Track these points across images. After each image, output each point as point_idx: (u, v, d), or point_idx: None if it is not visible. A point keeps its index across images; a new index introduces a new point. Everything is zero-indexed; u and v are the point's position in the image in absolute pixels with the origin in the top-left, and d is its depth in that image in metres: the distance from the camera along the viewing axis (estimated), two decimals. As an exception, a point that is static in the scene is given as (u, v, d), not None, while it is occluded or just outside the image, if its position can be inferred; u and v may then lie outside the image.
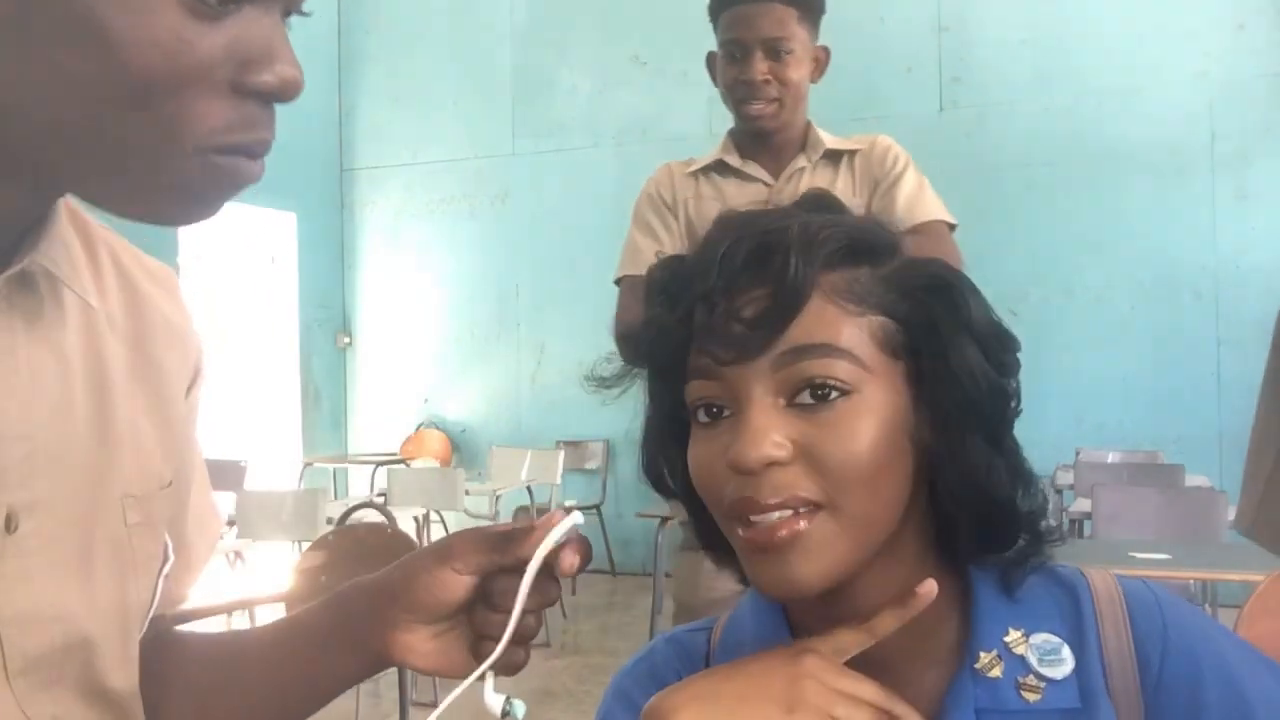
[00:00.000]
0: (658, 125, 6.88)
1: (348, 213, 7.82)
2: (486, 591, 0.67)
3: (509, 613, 0.65)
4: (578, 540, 0.66)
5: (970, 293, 0.66)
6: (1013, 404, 0.67)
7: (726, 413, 0.64)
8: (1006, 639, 0.67)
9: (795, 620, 0.72)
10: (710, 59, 2.08)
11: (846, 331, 0.63)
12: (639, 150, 6.90)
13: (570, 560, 0.65)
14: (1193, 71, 5.77)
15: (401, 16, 7.68)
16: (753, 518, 0.62)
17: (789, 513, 0.61)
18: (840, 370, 0.62)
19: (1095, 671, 0.66)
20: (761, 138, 2.02)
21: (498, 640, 0.65)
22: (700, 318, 0.64)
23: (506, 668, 0.67)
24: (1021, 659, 0.66)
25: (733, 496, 0.63)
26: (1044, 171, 5.99)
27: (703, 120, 6.79)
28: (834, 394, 0.62)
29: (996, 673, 0.66)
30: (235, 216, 6.72)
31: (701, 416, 0.65)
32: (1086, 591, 0.69)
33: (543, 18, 7.25)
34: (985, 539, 0.68)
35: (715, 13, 2.03)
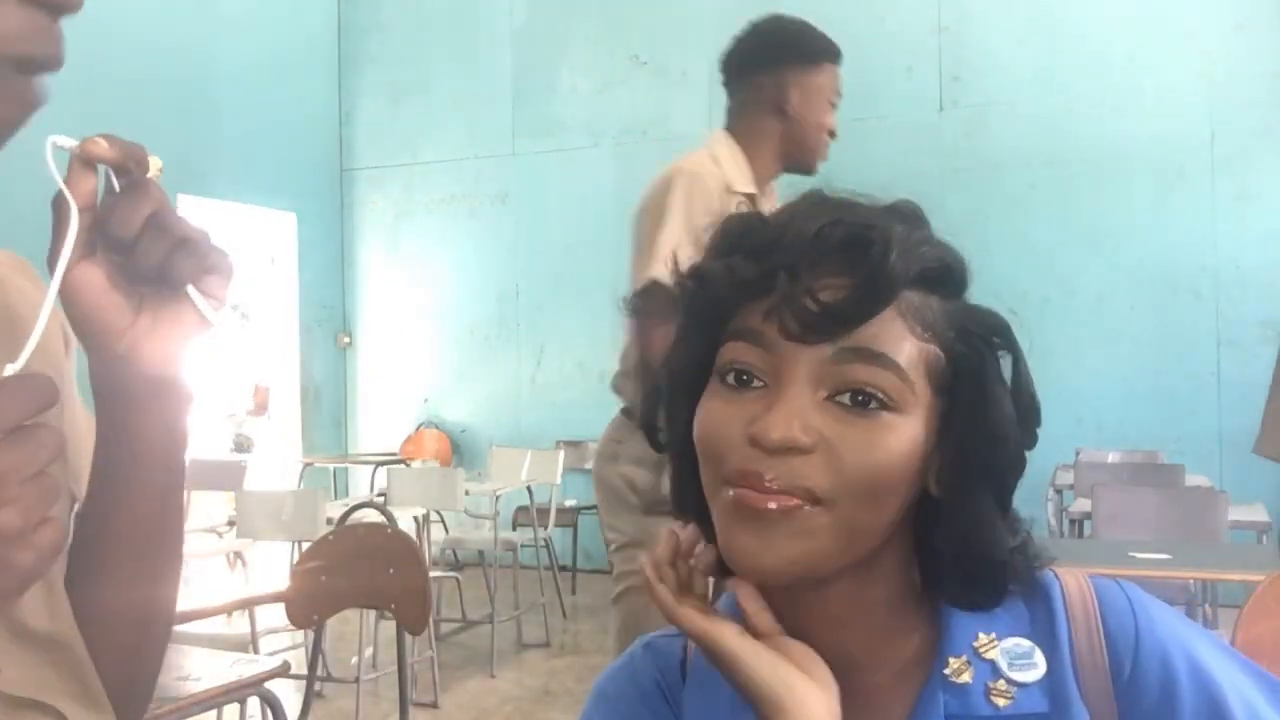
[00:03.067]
0: (658, 125, 6.87)
1: (348, 213, 7.82)
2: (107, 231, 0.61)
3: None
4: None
5: (1022, 354, 0.67)
6: (1021, 476, 0.68)
7: (757, 383, 0.64)
8: (976, 644, 0.67)
9: None
10: (787, 83, 2.20)
11: (907, 350, 0.63)
12: (639, 150, 6.90)
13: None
14: (1193, 71, 5.77)
15: (401, 16, 7.68)
16: (750, 490, 0.62)
17: (787, 501, 0.61)
18: (890, 385, 0.62)
19: (1067, 674, 0.65)
20: (783, 172, 2.21)
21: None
22: (781, 286, 0.63)
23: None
24: (991, 664, 0.66)
25: (738, 466, 0.62)
26: (1044, 171, 5.99)
27: (703, 120, 6.79)
28: (875, 404, 0.62)
29: (966, 678, 0.66)
30: (235, 216, 6.72)
31: (730, 379, 0.64)
32: (1058, 593, 0.69)
33: (543, 18, 7.25)
34: (969, 589, 0.68)
35: (830, 58, 2.22)
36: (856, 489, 0.61)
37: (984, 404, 0.65)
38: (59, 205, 0.59)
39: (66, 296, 0.61)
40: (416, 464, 6.49)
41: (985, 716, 0.65)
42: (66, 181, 0.59)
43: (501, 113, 7.35)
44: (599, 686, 0.77)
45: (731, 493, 0.63)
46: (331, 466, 7.23)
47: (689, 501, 0.71)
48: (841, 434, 0.61)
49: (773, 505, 0.61)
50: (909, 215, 0.68)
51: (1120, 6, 5.92)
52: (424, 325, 7.55)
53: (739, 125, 2.27)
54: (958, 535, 0.66)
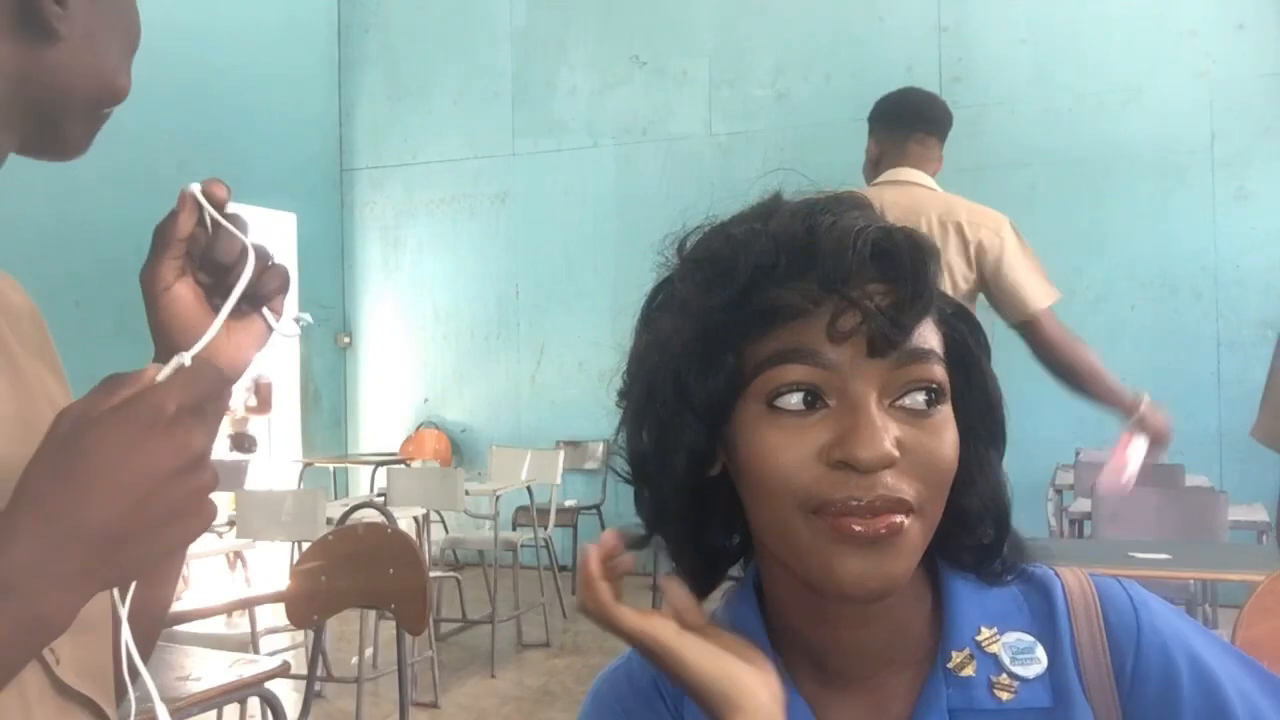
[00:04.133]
0: (658, 125, 6.87)
1: (348, 213, 7.82)
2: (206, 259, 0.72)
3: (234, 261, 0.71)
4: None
5: (976, 319, 0.70)
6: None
7: (814, 403, 0.62)
8: (978, 637, 0.67)
9: (773, 626, 0.71)
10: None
11: (937, 341, 0.64)
12: (639, 150, 6.91)
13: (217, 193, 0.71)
14: (1193, 71, 5.77)
15: (401, 16, 7.69)
16: (852, 521, 0.60)
17: (888, 518, 0.61)
18: (940, 378, 0.63)
19: (1069, 670, 0.66)
20: None
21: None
22: (855, 304, 0.60)
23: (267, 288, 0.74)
24: (994, 658, 0.66)
25: (829, 495, 0.60)
26: (1044, 171, 5.99)
27: (702, 120, 6.80)
28: (933, 400, 0.63)
29: (969, 672, 0.66)
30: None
31: (789, 403, 0.62)
32: (1060, 591, 0.69)
33: (543, 18, 7.25)
34: (985, 555, 0.69)
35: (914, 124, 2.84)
36: (937, 487, 0.62)
37: (979, 373, 0.67)
38: (214, 243, 0.71)
39: (167, 310, 0.72)
40: (416, 464, 6.49)
41: (988, 710, 0.65)
42: (177, 216, 0.70)
43: (501, 113, 7.35)
44: (596, 687, 0.77)
45: (828, 521, 0.61)
46: (331, 466, 7.23)
47: (668, 521, 0.70)
48: (916, 438, 0.62)
49: (883, 531, 0.60)
50: (866, 205, 0.67)
51: (1120, 6, 5.92)
52: (424, 325, 7.55)
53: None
54: (979, 499, 0.67)
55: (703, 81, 6.78)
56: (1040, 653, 0.66)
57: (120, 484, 0.53)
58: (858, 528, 0.60)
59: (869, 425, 0.60)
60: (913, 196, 2.68)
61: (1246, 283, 5.63)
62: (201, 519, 0.56)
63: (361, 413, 7.78)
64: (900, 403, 0.62)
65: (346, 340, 7.77)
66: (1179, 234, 5.76)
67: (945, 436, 0.63)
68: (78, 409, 0.55)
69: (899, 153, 2.79)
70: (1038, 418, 5.67)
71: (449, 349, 7.47)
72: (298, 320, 0.77)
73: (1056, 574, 0.71)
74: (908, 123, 2.83)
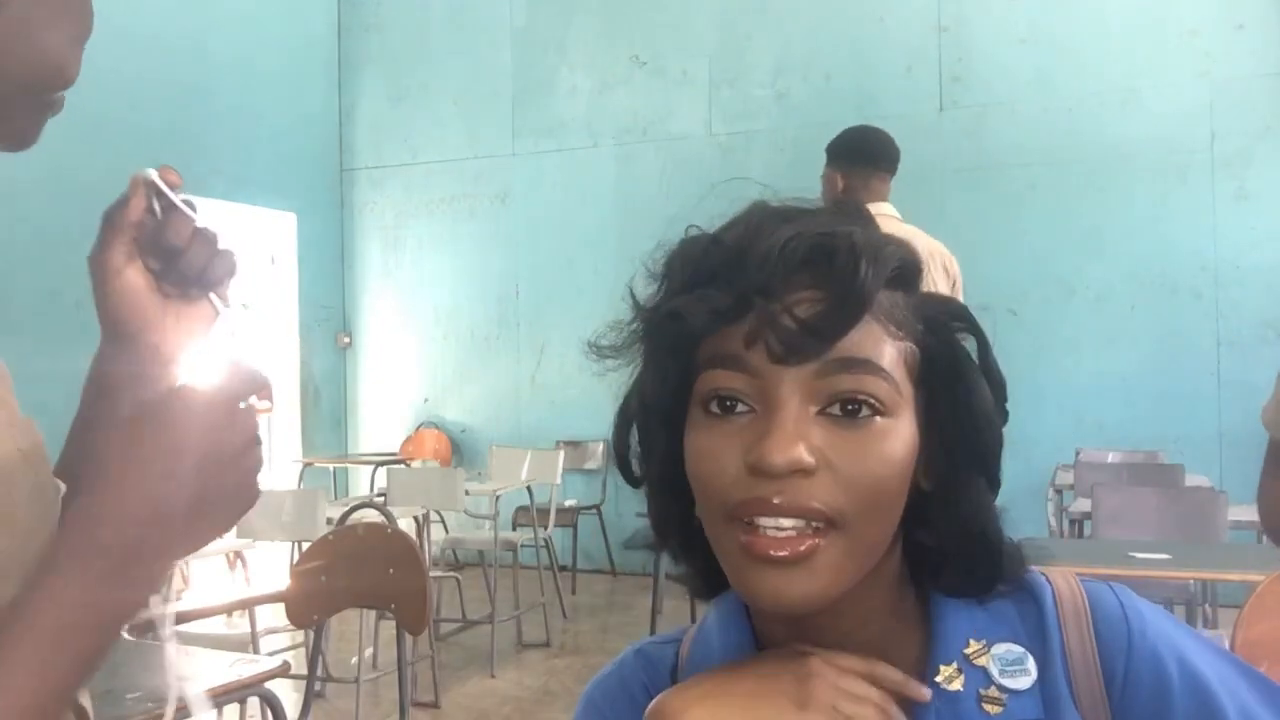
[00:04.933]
0: (658, 125, 6.88)
1: (348, 213, 7.82)
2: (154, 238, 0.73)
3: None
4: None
5: (984, 334, 0.67)
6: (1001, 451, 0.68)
7: (741, 408, 0.62)
8: (967, 651, 0.66)
9: (761, 634, 0.71)
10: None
11: (888, 352, 0.62)
12: (639, 150, 6.91)
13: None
14: (1193, 71, 5.77)
15: (401, 16, 7.69)
16: (760, 520, 0.60)
17: (800, 524, 0.60)
18: (880, 390, 0.61)
19: (1059, 679, 0.65)
20: None
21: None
22: (759, 310, 0.61)
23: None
24: (983, 670, 0.65)
25: (742, 496, 0.61)
26: (1044, 171, 5.99)
27: (702, 121, 6.80)
28: (866, 412, 0.61)
29: (957, 685, 0.65)
30: (235, 216, 6.72)
31: (714, 408, 0.63)
32: (1050, 597, 0.68)
33: (543, 18, 7.26)
34: (968, 575, 0.68)
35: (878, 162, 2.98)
36: (864, 502, 0.61)
37: (966, 390, 0.65)
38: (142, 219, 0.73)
39: (117, 295, 0.74)
40: (416, 464, 6.49)
41: None
42: (128, 200, 0.72)
43: (501, 113, 7.35)
44: (588, 692, 0.77)
45: (743, 538, 0.61)
46: (331, 466, 7.23)
47: (670, 529, 0.71)
48: (841, 448, 0.60)
49: (785, 553, 0.60)
50: (855, 214, 0.67)
51: (1120, 6, 5.92)
52: (424, 325, 7.55)
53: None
54: (956, 524, 0.66)
55: (703, 81, 6.78)
56: (1031, 664, 0.65)
57: (196, 463, 0.58)
58: (770, 550, 0.60)
59: (778, 430, 0.59)
60: (902, 230, 2.81)
61: (1246, 283, 5.63)
62: (253, 496, 0.61)
63: (361, 413, 7.78)
64: (830, 410, 0.61)
65: (346, 340, 7.77)
66: (1179, 234, 5.76)
67: (878, 449, 0.61)
68: (143, 393, 0.62)
69: (865, 188, 2.94)
70: (1038, 418, 5.68)
71: (449, 349, 7.48)
72: (245, 306, 0.78)
73: (1048, 579, 0.69)
74: (874, 161, 2.99)
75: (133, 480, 0.57)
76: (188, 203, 0.73)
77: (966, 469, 0.66)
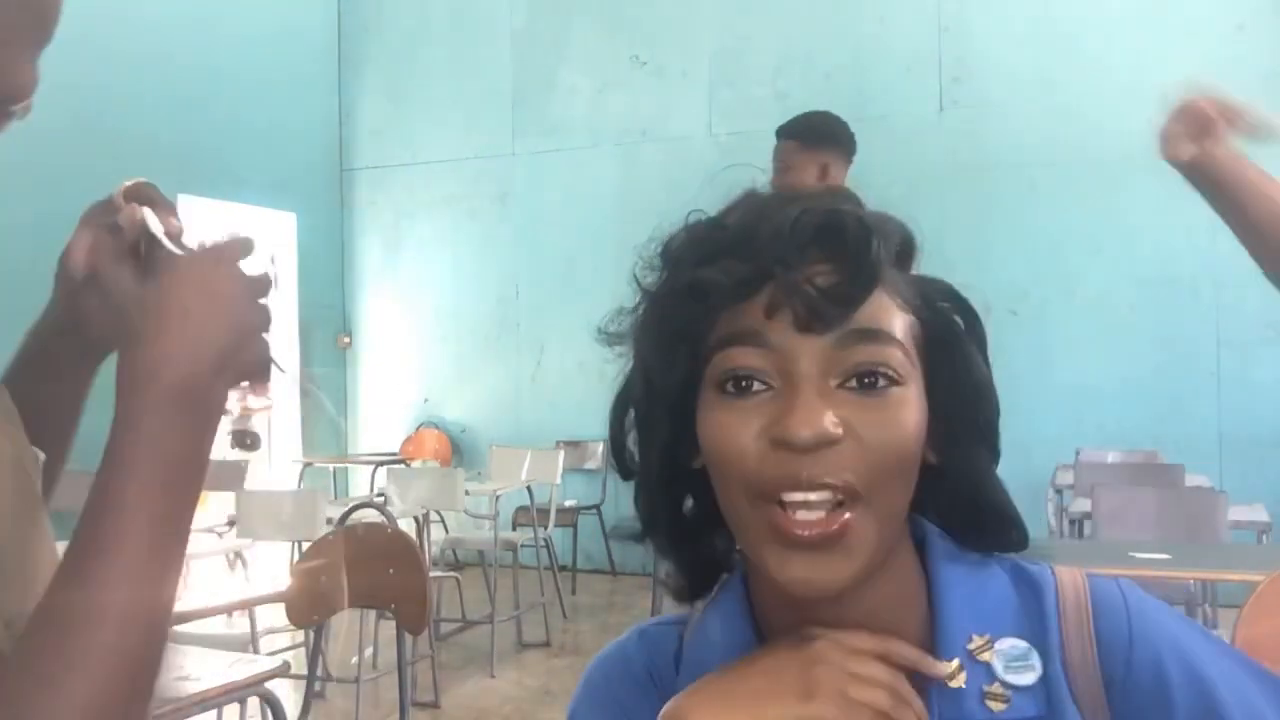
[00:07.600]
0: (658, 125, 6.87)
1: (348, 213, 7.82)
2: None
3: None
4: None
5: (974, 309, 0.68)
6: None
7: (758, 386, 0.62)
8: (970, 646, 0.65)
9: (764, 625, 0.70)
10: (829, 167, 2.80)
11: (898, 324, 0.63)
12: (639, 150, 6.91)
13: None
14: (1193, 71, 5.76)
15: (401, 16, 7.69)
16: (789, 496, 0.60)
17: (827, 497, 0.60)
18: (896, 359, 0.62)
19: (1058, 675, 0.64)
20: None
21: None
22: (782, 280, 0.61)
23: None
24: (986, 666, 0.65)
25: (770, 473, 0.60)
26: (1044, 171, 5.99)
27: (702, 121, 6.80)
28: (884, 382, 0.62)
29: (959, 682, 0.64)
30: (235, 216, 6.72)
31: (729, 388, 0.63)
32: (1052, 591, 0.68)
33: (543, 18, 7.26)
34: (981, 543, 0.69)
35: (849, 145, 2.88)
36: (888, 471, 0.61)
37: (965, 363, 0.67)
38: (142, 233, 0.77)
39: (81, 299, 0.79)
40: (416, 464, 6.49)
41: None
42: (117, 213, 0.77)
43: (501, 113, 7.35)
44: (590, 672, 0.76)
45: (771, 518, 0.61)
46: (331, 466, 7.23)
47: (659, 523, 0.71)
48: (863, 418, 0.61)
49: (815, 533, 0.60)
50: (849, 198, 0.68)
51: (1120, 6, 5.92)
52: (424, 325, 7.55)
53: None
54: (966, 494, 0.67)
55: (703, 81, 6.78)
56: (1036, 660, 0.65)
57: (226, 305, 0.66)
58: (799, 531, 0.60)
59: (805, 403, 0.60)
60: None
61: (1246, 283, 5.57)
62: (267, 329, 0.70)
63: (361, 413, 7.78)
64: (849, 384, 0.62)
65: (346, 340, 7.77)
66: (1179, 234, 5.75)
67: (898, 418, 0.61)
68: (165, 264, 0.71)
69: (843, 175, 2.88)
70: (1038, 418, 5.68)
71: (449, 349, 7.47)
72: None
73: (1053, 573, 0.69)
74: (847, 148, 2.93)
75: (175, 327, 0.64)
76: (175, 240, 0.76)
77: (969, 440, 0.67)
